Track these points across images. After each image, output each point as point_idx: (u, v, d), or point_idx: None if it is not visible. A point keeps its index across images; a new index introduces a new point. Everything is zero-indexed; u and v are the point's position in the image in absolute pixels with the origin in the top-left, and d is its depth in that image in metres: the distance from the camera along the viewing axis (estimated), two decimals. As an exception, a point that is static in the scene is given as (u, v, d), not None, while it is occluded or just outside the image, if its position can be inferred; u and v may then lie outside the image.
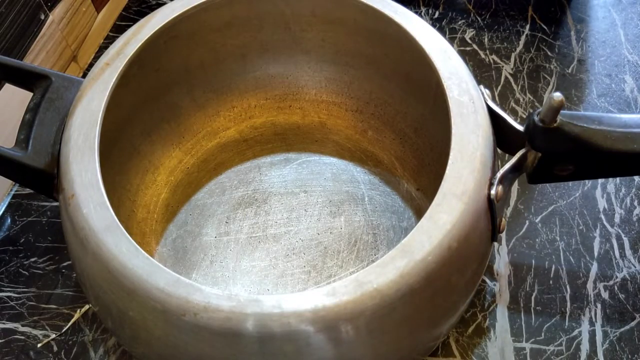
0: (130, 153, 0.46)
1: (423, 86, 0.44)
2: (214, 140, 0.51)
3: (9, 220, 0.49)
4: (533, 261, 0.46)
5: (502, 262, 0.46)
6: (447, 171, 0.33)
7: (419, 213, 0.46)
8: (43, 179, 0.37)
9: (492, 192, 0.34)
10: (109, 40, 0.61)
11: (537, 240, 0.47)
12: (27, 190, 0.51)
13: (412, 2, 0.62)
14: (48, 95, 0.39)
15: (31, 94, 0.39)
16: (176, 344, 0.31)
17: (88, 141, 0.35)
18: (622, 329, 0.43)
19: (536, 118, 0.34)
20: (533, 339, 0.42)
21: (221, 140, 0.51)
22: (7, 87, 0.47)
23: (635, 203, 0.48)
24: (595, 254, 0.46)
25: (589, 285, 0.45)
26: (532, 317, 0.43)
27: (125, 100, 0.42)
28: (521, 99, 0.55)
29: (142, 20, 0.41)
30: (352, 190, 0.48)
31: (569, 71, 0.57)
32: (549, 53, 0.58)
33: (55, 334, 0.44)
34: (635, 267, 0.45)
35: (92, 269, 0.32)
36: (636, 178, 0.50)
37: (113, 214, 0.33)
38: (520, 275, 0.45)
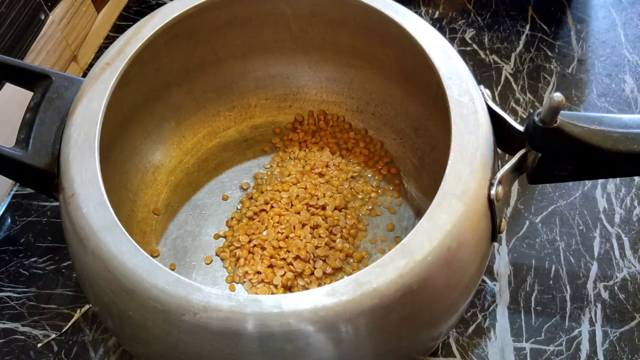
0: (130, 153, 0.46)
1: (423, 86, 0.44)
2: (214, 140, 0.51)
3: (9, 220, 0.49)
4: (533, 261, 0.46)
5: (502, 262, 0.46)
6: (447, 171, 0.33)
7: (419, 213, 0.46)
8: (43, 179, 0.37)
9: (492, 192, 0.34)
10: (109, 40, 0.61)
11: (537, 240, 0.47)
12: (27, 190, 0.51)
13: (412, 2, 0.62)
14: (48, 95, 0.39)
15: (31, 93, 0.39)
16: (176, 343, 0.31)
17: (88, 141, 0.35)
18: (622, 329, 0.43)
19: (536, 118, 0.34)
20: (533, 339, 0.42)
21: (221, 140, 0.51)
22: (8, 86, 0.47)
23: (635, 203, 0.48)
24: (595, 254, 0.46)
25: (589, 285, 0.45)
26: (532, 317, 0.43)
27: (126, 100, 0.42)
28: (521, 99, 0.55)
29: (143, 20, 0.41)
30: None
31: (569, 71, 0.57)
32: (549, 53, 0.58)
33: (55, 334, 0.44)
34: (635, 267, 0.45)
35: (92, 269, 0.32)
36: (636, 178, 0.50)
37: (113, 213, 0.33)
38: (520, 275, 0.45)
